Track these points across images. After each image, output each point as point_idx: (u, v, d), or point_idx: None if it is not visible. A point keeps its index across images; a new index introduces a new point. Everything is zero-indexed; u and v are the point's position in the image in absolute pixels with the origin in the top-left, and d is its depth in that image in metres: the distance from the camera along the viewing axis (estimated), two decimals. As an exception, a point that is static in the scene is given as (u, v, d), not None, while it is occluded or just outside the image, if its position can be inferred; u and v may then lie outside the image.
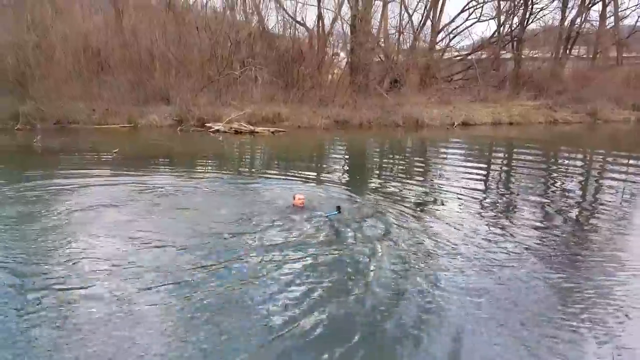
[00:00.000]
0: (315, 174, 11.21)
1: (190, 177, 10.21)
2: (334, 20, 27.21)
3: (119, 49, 23.61)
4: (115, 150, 13.33)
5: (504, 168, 12.92)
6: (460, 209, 7.58)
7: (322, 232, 6.18)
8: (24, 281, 4.59)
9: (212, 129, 19.84)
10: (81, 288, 4.47)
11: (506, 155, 15.97)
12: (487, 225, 6.74)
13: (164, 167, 12.19)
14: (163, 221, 6.60)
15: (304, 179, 10.04)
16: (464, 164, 13.14)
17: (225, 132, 19.67)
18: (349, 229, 6.32)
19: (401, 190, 9.03)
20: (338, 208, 6.60)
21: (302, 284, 4.67)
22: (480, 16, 32.01)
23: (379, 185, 9.83)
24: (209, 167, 12.30)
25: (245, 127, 20.08)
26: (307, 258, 5.30)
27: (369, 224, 6.63)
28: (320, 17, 26.37)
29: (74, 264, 5.01)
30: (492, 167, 13.15)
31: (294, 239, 5.92)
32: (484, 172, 11.86)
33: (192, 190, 8.68)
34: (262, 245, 5.66)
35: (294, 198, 7.08)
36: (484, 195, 8.90)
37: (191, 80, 23.06)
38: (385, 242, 5.92)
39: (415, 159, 14.58)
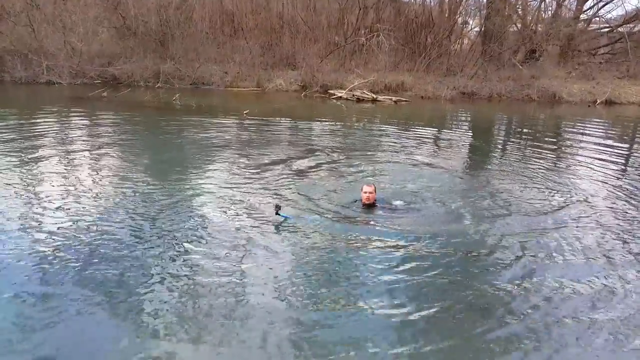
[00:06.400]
0: (433, 146, 10.80)
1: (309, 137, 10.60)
2: (469, -16, 25.55)
3: (251, 13, 24.55)
4: (246, 112, 14.00)
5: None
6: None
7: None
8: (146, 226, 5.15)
9: (335, 96, 19.99)
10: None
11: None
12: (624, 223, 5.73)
13: (287, 127, 12.70)
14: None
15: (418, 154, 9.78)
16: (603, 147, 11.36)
17: (347, 99, 19.71)
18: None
19: (525, 175, 7.86)
20: (277, 208, 5.14)
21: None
22: (640, -19, 27.79)
23: (501, 165, 8.96)
24: (327, 129, 12.58)
25: (367, 95, 19.94)
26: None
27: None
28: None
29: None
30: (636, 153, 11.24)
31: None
32: (624, 159, 10.09)
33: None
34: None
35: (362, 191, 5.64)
36: (620, 188, 7.31)
37: (317, 46, 23.33)
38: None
39: (547, 138, 13.11)
